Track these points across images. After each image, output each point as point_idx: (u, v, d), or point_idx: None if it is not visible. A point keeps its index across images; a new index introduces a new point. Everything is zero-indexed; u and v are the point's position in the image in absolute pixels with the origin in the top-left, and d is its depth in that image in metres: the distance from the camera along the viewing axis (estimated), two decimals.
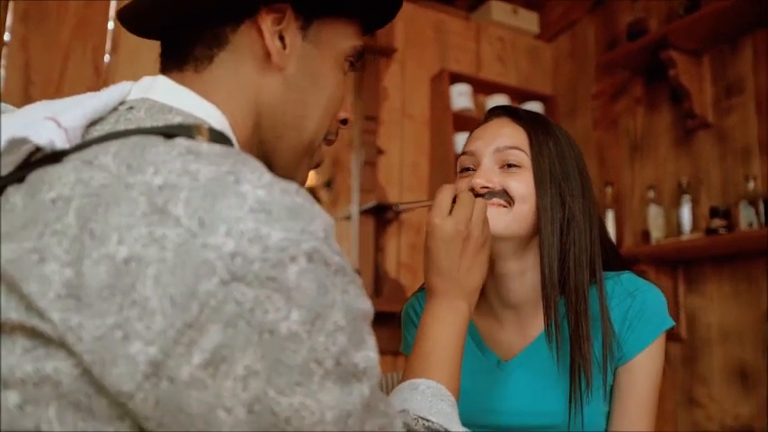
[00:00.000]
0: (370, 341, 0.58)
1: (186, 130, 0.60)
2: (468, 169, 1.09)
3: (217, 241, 0.49)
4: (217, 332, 0.49)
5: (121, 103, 0.66)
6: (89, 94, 0.66)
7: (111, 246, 0.49)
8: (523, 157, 1.05)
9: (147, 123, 0.62)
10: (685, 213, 2.75)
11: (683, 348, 2.80)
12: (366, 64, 3.13)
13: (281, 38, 0.71)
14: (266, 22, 0.70)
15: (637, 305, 1.06)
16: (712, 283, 2.72)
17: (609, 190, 3.11)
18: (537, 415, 1.07)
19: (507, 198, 1.03)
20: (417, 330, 0.89)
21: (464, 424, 1.11)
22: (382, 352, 0.60)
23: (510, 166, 1.05)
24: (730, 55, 2.77)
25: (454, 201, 0.95)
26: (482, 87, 3.34)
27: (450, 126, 3.10)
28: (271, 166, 0.76)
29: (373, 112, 3.07)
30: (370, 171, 3.00)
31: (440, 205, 0.92)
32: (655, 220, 2.86)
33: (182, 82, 0.69)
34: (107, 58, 2.61)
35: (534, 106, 3.40)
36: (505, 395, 1.09)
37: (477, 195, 1.03)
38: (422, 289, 1.21)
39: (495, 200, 1.03)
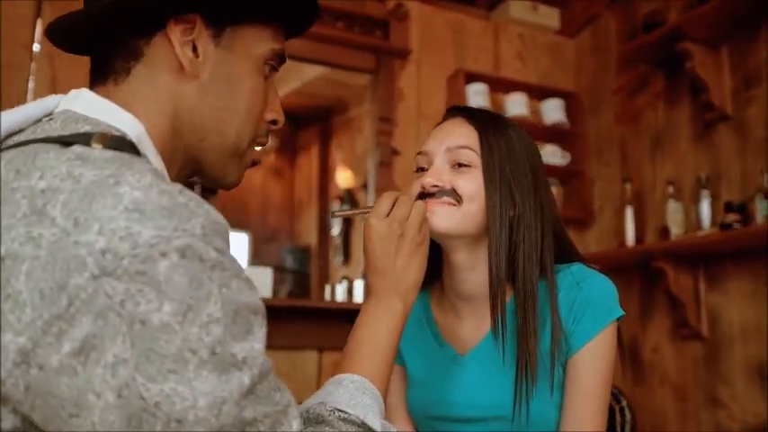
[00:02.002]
0: (258, 333, 0.61)
1: (83, 137, 0.64)
2: (422, 169, 1.12)
3: (89, 239, 0.54)
4: (87, 323, 0.53)
5: (47, 115, 0.71)
6: (19, 107, 0.71)
7: None
8: (473, 157, 1.07)
9: (58, 133, 0.66)
10: (704, 209, 2.69)
11: (705, 347, 2.73)
12: (380, 66, 3.17)
13: (194, 47, 0.75)
14: (175, 34, 0.74)
15: (582, 296, 1.07)
16: (733, 281, 2.65)
17: (628, 186, 3.05)
18: (486, 407, 1.09)
19: (456, 197, 1.06)
20: (352, 328, 0.91)
21: (420, 414, 1.15)
22: None
23: (460, 165, 1.08)
24: (748, 45, 2.69)
25: None
26: (500, 86, 3.33)
27: None
28: (200, 167, 0.81)
29: (388, 114, 3.10)
30: (386, 172, 3.03)
31: (378, 208, 0.93)
32: (674, 215, 2.80)
33: (104, 94, 0.74)
34: None
35: (555, 103, 3.37)
36: (459, 387, 1.12)
37: (427, 194, 1.07)
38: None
39: (445, 198, 1.06)
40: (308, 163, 5.61)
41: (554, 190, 3.27)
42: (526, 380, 1.03)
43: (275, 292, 4.85)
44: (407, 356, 1.20)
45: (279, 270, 5.21)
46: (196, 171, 0.82)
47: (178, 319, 0.55)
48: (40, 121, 0.70)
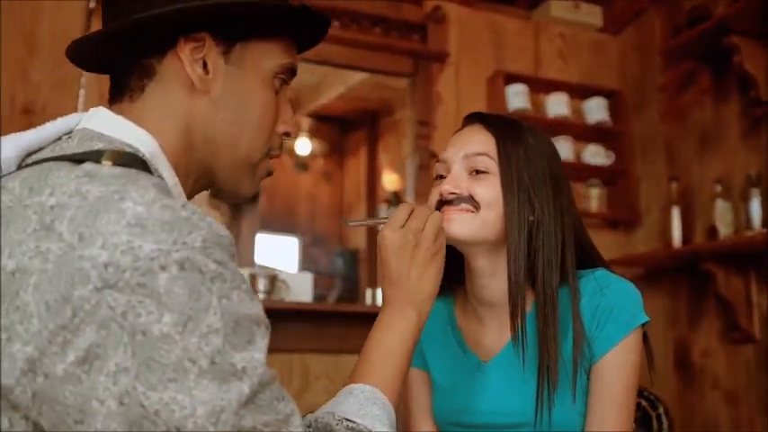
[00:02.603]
0: (260, 343, 0.62)
1: (94, 155, 0.67)
2: (441, 176, 1.12)
3: (92, 253, 0.56)
4: (91, 333, 0.55)
5: (68, 133, 0.75)
6: (40, 126, 0.75)
7: (3, 259, 0.59)
8: (491, 164, 1.07)
9: (73, 151, 0.70)
10: (755, 207, 2.60)
11: (757, 350, 2.64)
12: (418, 69, 3.17)
13: (205, 63, 0.78)
14: (185, 52, 0.77)
15: (606, 302, 1.06)
16: None
17: (674, 186, 2.98)
18: (508, 414, 1.09)
19: (474, 203, 1.06)
20: (367, 337, 0.91)
21: (444, 421, 1.16)
22: None
23: (478, 172, 1.08)
24: None
25: None
26: (541, 86, 3.29)
27: None
28: (214, 180, 0.84)
29: (426, 118, 3.10)
30: (425, 175, 3.03)
31: (394, 219, 0.93)
32: (722, 215, 2.72)
33: (120, 111, 0.77)
34: None
35: (598, 102, 3.31)
36: (482, 395, 1.12)
37: (445, 201, 1.07)
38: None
39: (463, 205, 1.06)
40: (356, 166, 5.66)
41: (597, 191, 3.22)
42: (548, 387, 1.03)
43: (323, 296, 4.92)
44: (432, 363, 1.20)
45: (328, 274, 5.27)
46: (211, 183, 0.85)
47: (178, 330, 0.56)
48: (60, 139, 0.74)
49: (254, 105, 0.81)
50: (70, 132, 0.75)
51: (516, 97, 3.14)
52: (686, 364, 2.95)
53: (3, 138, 0.72)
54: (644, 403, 1.54)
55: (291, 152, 5.46)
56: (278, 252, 5.44)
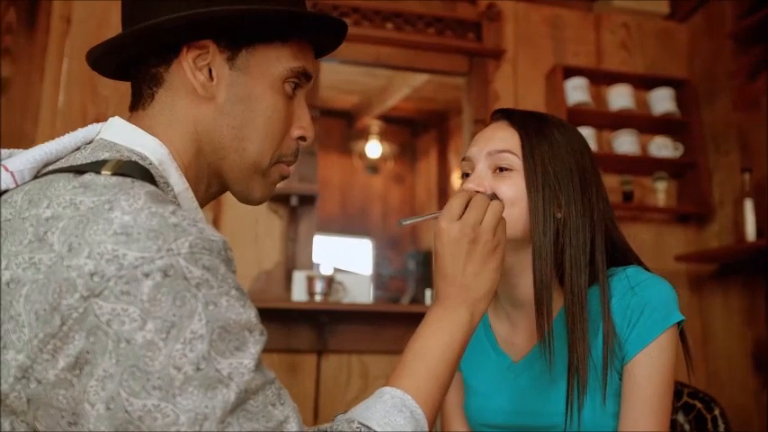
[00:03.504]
0: (251, 349, 0.61)
1: (95, 165, 0.68)
2: (467, 175, 1.11)
3: (79, 262, 0.58)
4: (80, 340, 0.57)
5: (89, 143, 0.78)
6: (57, 139, 0.78)
7: (1, 270, 0.60)
8: (515, 160, 1.05)
9: (82, 161, 0.72)
10: None
11: None
12: (473, 68, 3.15)
13: (210, 70, 0.79)
14: (188, 60, 0.78)
15: (637, 301, 1.02)
16: None
17: (747, 177, 2.83)
18: (538, 415, 1.08)
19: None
20: (413, 335, 0.86)
21: (475, 423, 1.16)
22: None
23: (502, 169, 1.06)
24: None
25: None
26: (603, 79, 3.20)
27: None
28: (226, 185, 0.85)
29: (483, 116, 3.07)
30: None
31: (450, 209, 0.88)
32: None
33: (135, 119, 0.80)
34: None
35: (664, 93, 3.18)
36: (512, 395, 1.11)
37: None
38: None
39: None
40: (427, 167, 5.65)
41: (664, 184, 3.10)
42: (577, 388, 1.00)
43: (397, 298, 4.94)
44: (465, 363, 1.19)
45: (402, 276, 5.28)
46: (224, 189, 0.86)
47: (162, 337, 0.57)
48: (78, 149, 0.76)
49: (261, 110, 0.81)
50: (91, 142, 0.77)
51: (576, 91, 3.06)
52: (765, 364, 2.80)
53: (33, 151, 0.74)
54: (699, 405, 1.48)
55: (362, 155, 5.52)
56: (352, 255, 5.50)
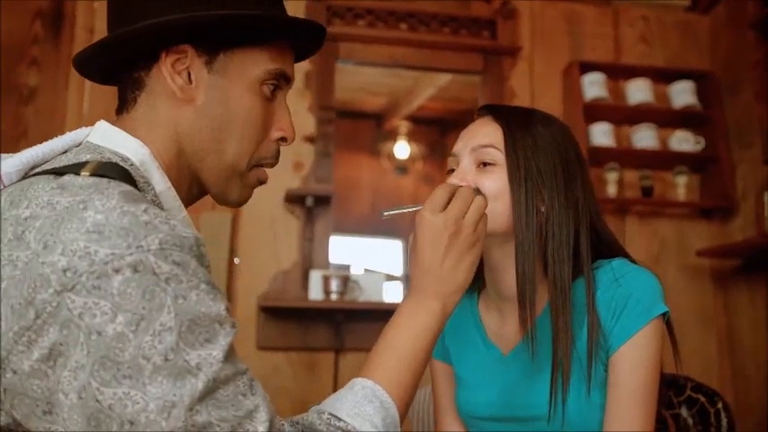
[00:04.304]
0: (221, 341, 0.64)
1: (75, 167, 0.71)
2: (453, 170, 1.12)
3: (53, 259, 0.61)
4: (54, 332, 0.60)
5: (78, 145, 0.81)
6: (46, 142, 0.82)
7: None
8: (497, 155, 1.06)
9: (63, 164, 0.76)
10: None
11: None
12: (488, 66, 3.15)
13: (189, 74, 0.80)
14: (166, 64, 0.80)
15: (621, 292, 1.03)
16: None
17: None
18: (526, 407, 1.09)
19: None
20: (385, 326, 0.87)
21: (466, 415, 1.18)
22: None
23: (485, 164, 1.07)
24: None
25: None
26: (621, 73, 3.17)
27: (581, 118, 2.99)
28: (204, 186, 0.87)
29: None
30: None
31: (433, 200, 0.89)
32: None
33: (120, 122, 0.83)
34: None
35: (684, 86, 3.14)
36: (501, 388, 1.12)
37: None
38: None
39: None
40: None
41: (685, 179, 3.05)
42: (561, 379, 1.01)
43: None
44: (455, 357, 1.21)
45: None
46: (203, 190, 0.88)
47: (131, 329, 0.59)
48: (66, 152, 0.79)
49: (239, 112, 0.82)
50: (79, 145, 0.80)
51: (593, 86, 3.04)
52: None
53: (21, 153, 0.77)
54: (702, 398, 1.47)
55: (391, 156, 5.54)
56: (382, 255, 5.52)
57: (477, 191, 1.05)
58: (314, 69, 3.01)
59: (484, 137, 1.08)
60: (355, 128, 5.13)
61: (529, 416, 1.07)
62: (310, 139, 2.96)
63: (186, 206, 0.87)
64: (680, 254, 3.09)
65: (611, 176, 3.04)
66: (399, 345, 0.82)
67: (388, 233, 5.65)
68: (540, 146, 1.06)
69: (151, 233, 0.63)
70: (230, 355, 0.65)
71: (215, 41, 0.81)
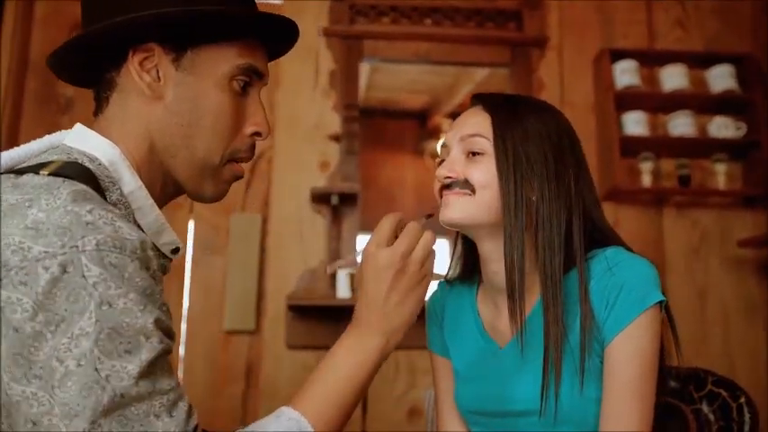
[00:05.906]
0: (143, 356, 0.62)
1: (36, 167, 0.73)
2: (443, 161, 1.11)
3: None
4: None
5: (55, 148, 0.83)
6: (24, 145, 0.84)
7: None
8: (486, 144, 1.05)
9: (35, 163, 0.78)
10: None
11: None
12: (515, 58, 3.10)
13: (158, 71, 0.82)
14: (134, 63, 0.81)
15: (614, 281, 1.00)
16: None
17: None
18: (519, 401, 1.07)
19: (470, 186, 1.04)
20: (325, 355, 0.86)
21: (464, 409, 1.18)
22: None
23: (474, 154, 1.06)
24: None
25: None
26: (655, 60, 3.06)
27: (612, 107, 2.91)
28: (178, 184, 0.88)
29: None
30: None
31: (378, 233, 0.87)
32: None
33: (95, 124, 0.85)
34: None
35: (723, 70, 3.01)
36: (496, 381, 1.11)
37: (443, 187, 1.07)
38: (446, 280, 1.26)
39: (459, 189, 1.05)
40: None
41: (724, 166, 2.93)
42: (552, 373, 0.99)
43: None
44: (453, 351, 1.20)
45: None
46: (179, 188, 0.89)
47: (50, 329, 0.60)
48: (42, 154, 0.81)
49: (208, 108, 0.83)
50: (57, 147, 0.82)
51: (624, 74, 2.95)
52: None
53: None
54: (724, 393, 1.41)
55: (434, 154, 5.52)
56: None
57: (425, 226, 1.02)
58: (338, 68, 3.02)
59: (472, 126, 1.07)
60: (398, 127, 5.12)
61: (522, 410, 1.05)
62: (335, 138, 2.97)
63: (162, 205, 0.87)
64: (722, 245, 2.97)
65: (646, 166, 2.94)
66: (334, 380, 0.80)
67: (435, 232, 5.61)
68: (530, 134, 1.04)
69: (90, 233, 0.63)
70: (151, 371, 0.64)
71: (181, 38, 0.82)
